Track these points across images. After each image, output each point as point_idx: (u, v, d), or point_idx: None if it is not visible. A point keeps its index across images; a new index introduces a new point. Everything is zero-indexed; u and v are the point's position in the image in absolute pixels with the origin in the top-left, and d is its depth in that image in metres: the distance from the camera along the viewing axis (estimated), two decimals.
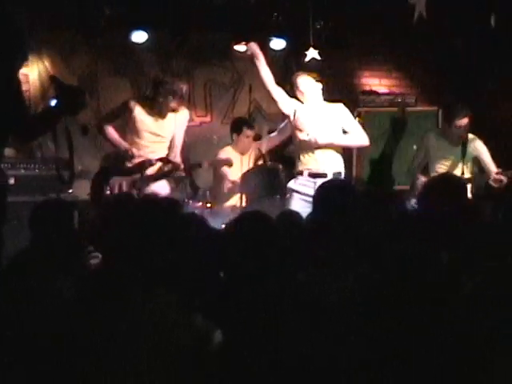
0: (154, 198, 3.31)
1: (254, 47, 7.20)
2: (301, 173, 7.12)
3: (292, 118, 7.18)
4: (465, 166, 7.35)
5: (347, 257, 3.38)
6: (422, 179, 7.31)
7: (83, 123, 4.49)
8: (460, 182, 4.63)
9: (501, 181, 7.04)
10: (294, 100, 7.22)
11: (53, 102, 4.31)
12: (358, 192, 4.14)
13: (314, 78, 7.18)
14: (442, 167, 7.52)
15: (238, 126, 8.34)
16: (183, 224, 3.00)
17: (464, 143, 7.39)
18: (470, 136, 7.48)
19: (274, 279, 3.08)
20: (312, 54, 8.41)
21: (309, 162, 7.09)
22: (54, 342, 2.81)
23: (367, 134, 7.51)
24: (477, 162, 7.55)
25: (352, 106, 8.15)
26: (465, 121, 7.37)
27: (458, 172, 7.31)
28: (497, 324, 2.61)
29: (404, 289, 2.66)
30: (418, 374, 2.51)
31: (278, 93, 7.21)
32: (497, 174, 7.12)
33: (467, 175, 7.31)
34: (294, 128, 7.18)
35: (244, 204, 7.50)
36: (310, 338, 2.70)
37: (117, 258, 2.86)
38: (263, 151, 7.74)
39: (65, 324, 2.81)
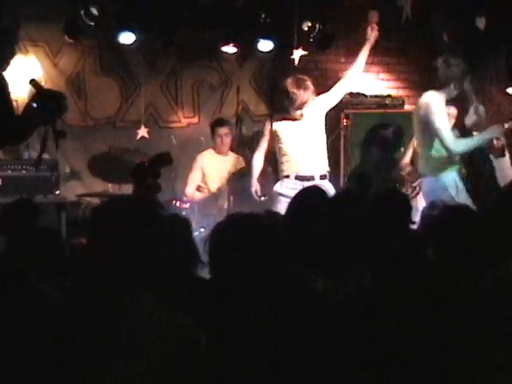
0: (135, 200, 3.29)
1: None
2: (287, 176, 7.12)
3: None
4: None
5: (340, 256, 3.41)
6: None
7: (60, 128, 4.51)
8: None
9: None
10: (268, 127, 7.29)
11: (33, 106, 4.29)
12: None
13: (304, 82, 7.16)
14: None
15: (211, 128, 8.50)
16: (164, 224, 2.98)
17: None
18: None
19: (267, 277, 3.08)
20: (297, 55, 8.43)
21: (295, 165, 7.09)
22: (38, 344, 2.80)
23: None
24: None
25: (339, 107, 8.17)
26: (453, 109, 7.55)
27: None
28: (497, 322, 2.62)
29: (398, 288, 2.67)
30: (418, 372, 2.51)
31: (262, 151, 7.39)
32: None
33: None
34: (276, 135, 7.21)
35: (232, 205, 7.52)
36: (308, 336, 2.70)
37: (102, 258, 2.86)
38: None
39: (50, 325, 2.81)
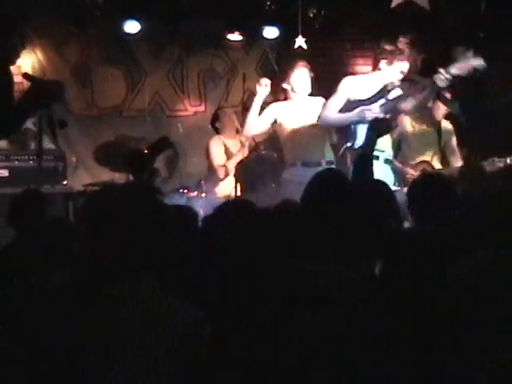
0: (133, 186, 3.29)
1: None
2: (294, 164, 7.07)
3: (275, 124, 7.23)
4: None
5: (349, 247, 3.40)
6: (398, 165, 7.42)
7: (60, 118, 4.55)
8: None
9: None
10: (270, 112, 7.24)
11: (27, 98, 4.33)
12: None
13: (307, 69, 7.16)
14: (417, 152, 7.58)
15: (212, 116, 8.49)
16: (165, 211, 2.98)
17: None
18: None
19: (273, 267, 3.08)
20: (299, 42, 8.41)
21: (300, 152, 7.06)
22: (43, 336, 2.80)
23: None
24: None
25: None
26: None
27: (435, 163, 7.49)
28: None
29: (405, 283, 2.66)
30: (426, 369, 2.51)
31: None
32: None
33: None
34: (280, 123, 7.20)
35: (239, 193, 7.51)
36: (313, 328, 2.70)
37: (101, 248, 2.85)
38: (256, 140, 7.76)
39: (54, 318, 2.81)
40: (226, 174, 8.05)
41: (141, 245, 2.75)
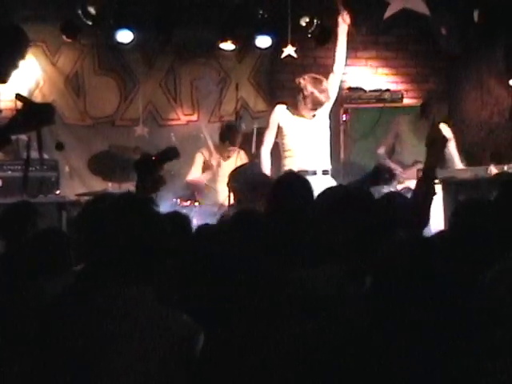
0: (129, 195, 3.29)
1: None
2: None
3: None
4: None
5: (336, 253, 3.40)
6: (391, 165, 7.44)
7: (58, 140, 4.63)
8: None
9: None
10: (274, 119, 7.20)
11: (18, 119, 4.34)
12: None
13: (321, 82, 7.09)
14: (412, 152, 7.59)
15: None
16: (160, 220, 2.97)
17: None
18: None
19: (266, 275, 3.08)
20: (288, 51, 8.41)
21: (297, 160, 7.04)
22: (38, 345, 2.80)
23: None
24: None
25: (339, 102, 8.16)
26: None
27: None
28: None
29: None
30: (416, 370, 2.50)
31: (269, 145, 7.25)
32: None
33: None
34: (280, 129, 7.15)
35: (232, 202, 7.50)
36: (296, 335, 2.70)
37: (95, 255, 2.85)
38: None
39: (49, 327, 2.80)
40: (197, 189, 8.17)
41: (136, 254, 2.75)
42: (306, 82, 7.02)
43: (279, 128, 7.09)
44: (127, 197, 3.15)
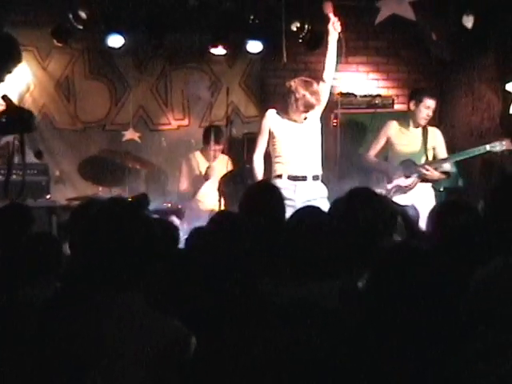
0: (120, 199, 3.29)
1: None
2: (279, 176, 6.98)
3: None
4: (428, 154, 7.68)
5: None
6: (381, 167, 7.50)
7: (37, 148, 4.74)
8: None
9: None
10: (266, 123, 7.15)
11: (1, 120, 4.38)
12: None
13: (312, 85, 7.03)
14: (403, 155, 7.61)
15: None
16: (150, 226, 2.97)
17: (425, 130, 7.70)
18: (430, 126, 7.78)
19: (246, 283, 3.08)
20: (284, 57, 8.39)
21: (288, 165, 6.99)
22: (31, 348, 2.80)
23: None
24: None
25: (330, 107, 8.16)
26: (433, 102, 7.64)
27: (422, 160, 7.62)
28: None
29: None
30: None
31: (262, 150, 7.19)
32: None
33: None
34: (272, 133, 7.11)
35: (223, 207, 7.51)
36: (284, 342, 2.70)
37: (86, 260, 2.85)
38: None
39: (41, 330, 2.80)
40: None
41: (127, 258, 2.75)
42: (296, 84, 6.97)
43: (270, 133, 7.03)
44: (118, 201, 3.15)
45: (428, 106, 7.59)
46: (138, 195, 5.29)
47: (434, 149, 7.71)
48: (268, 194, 4.89)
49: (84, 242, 2.85)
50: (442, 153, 7.70)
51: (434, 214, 4.20)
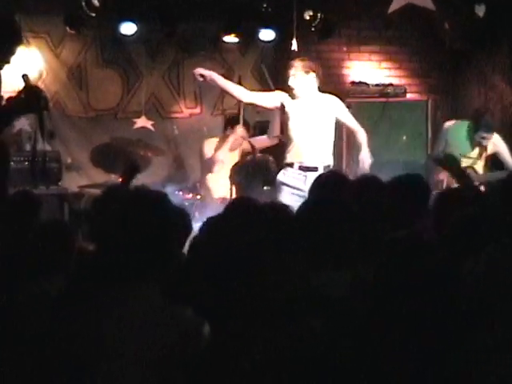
0: (143, 191, 3.29)
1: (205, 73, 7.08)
2: (291, 164, 6.98)
3: (280, 109, 7.12)
4: (482, 162, 7.45)
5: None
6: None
7: (50, 129, 4.83)
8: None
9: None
10: (278, 93, 7.16)
11: (20, 98, 4.46)
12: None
13: (307, 67, 7.08)
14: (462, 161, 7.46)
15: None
16: (171, 216, 2.97)
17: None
18: None
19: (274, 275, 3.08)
20: (294, 45, 8.38)
21: (299, 154, 6.99)
22: (37, 342, 2.80)
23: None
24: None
25: (341, 96, 8.15)
26: (490, 137, 7.34)
27: (478, 167, 7.42)
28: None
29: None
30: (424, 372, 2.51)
31: (253, 97, 7.21)
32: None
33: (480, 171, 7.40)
34: (285, 119, 7.11)
35: (234, 196, 7.51)
36: (305, 331, 2.70)
37: (104, 250, 2.85)
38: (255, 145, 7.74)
39: (49, 323, 2.80)
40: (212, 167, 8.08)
41: (145, 248, 2.75)
42: (315, 63, 7.16)
43: (284, 110, 7.05)
44: (142, 191, 3.15)
45: (483, 137, 7.32)
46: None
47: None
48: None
49: (113, 231, 2.84)
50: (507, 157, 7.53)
51: (440, 203, 4.19)
